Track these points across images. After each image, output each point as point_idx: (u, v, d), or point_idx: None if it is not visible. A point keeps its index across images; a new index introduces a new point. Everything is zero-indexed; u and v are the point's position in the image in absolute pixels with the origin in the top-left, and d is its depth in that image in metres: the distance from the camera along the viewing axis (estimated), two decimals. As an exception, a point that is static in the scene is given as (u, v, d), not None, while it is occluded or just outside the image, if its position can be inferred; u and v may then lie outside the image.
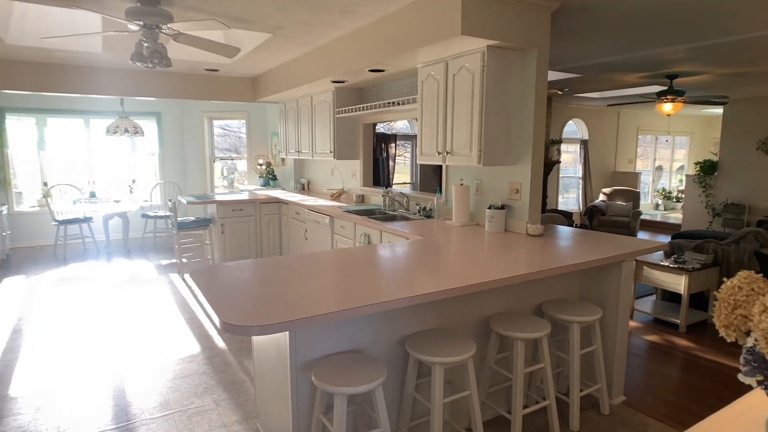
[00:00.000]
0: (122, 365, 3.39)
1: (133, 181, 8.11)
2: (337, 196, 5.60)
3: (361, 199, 5.26)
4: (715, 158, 8.55)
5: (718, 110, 8.95)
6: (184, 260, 5.48)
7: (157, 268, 6.01)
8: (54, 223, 6.50)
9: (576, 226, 5.39)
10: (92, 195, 7.63)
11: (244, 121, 8.06)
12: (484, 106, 3.01)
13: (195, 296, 4.79)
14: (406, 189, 6.08)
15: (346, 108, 4.91)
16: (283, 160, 7.30)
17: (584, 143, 8.98)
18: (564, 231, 3.35)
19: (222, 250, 5.52)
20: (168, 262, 6.32)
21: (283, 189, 7.26)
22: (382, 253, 2.68)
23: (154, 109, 7.96)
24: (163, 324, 4.10)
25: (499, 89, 3.06)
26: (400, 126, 7.17)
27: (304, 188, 6.71)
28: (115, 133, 6.59)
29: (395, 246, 2.87)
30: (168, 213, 7.29)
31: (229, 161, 8.52)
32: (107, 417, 2.79)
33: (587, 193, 9.58)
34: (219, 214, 5.47)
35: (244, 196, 6.07)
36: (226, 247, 5.54)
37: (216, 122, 8.26)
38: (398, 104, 4.11)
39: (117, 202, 7.55)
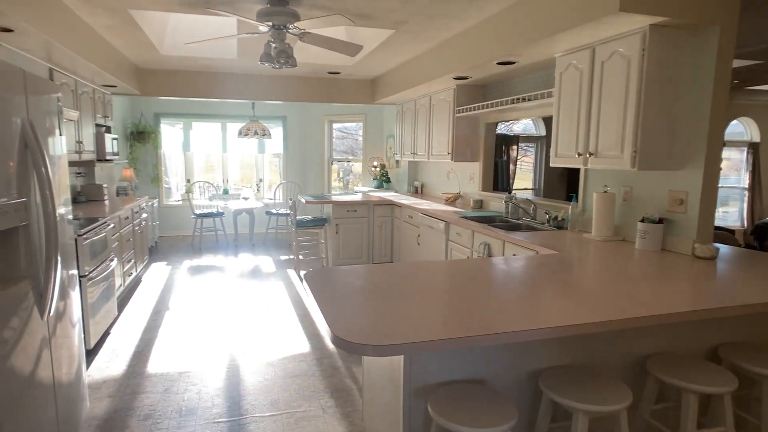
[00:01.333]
0: (239, 356, 3.48)
1: (260, 180, 8.66)
2: (452, 200, 5.31)
3: (479, 204, 4.91)
4: None
5: None
6: (300, 257, 5.63)
7: (276, 263, 6.27)
8: (193, 216, 7.15)
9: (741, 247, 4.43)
10: (225, 192, 8.30)
11: (361, 124, 8.15)
12: (643, 98, 2.50)
13: (308, 295, 4.86)
14: (528, 195, 5.57)
15: (468, 106, 4.61)
16: (397, 162, 7.21)
17: (753, 147, 7.53)
18: (740, 253, 2.68)
19: (335, 250, 5.55)
20: (286, 257, 6.58)
21: (395, 191, 7.16)
22: (507, 267, 2.34)
23: (281, 113, 8.41)
24: (277, 318, 4.18)
25: (664, 78, 2.52)
26: (522, 127, 6.65)
27: (418, 191, 6.53)
28: (246, 135, 7.05)
29: (522, 260, 2.50)
30: (288, 211, 7.63)
31: (346, 163, 8.70)
32: (222, 408, 2.84)
33: (755, 207, 8.03)
34: (334, 214, 5.51)
35: (358, 197, 6.07)
36: (339, 247, 5.57)
37: (335, 125, 8.48)
38: (528, 100, 3.70)
39: (245, 199, 8.11)
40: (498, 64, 3.78)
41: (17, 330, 1.88)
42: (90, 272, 3.40)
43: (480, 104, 4.41)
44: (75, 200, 4.92)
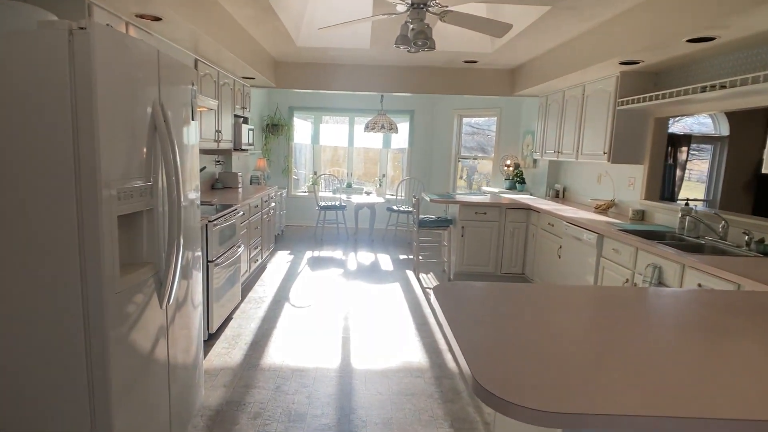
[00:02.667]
0: (353, 361, 3.22)
1: (383, 176, 8.53)
2: (604, 208, 4.51)
3: (640, 215, 4.07)
4: None
5: None
6: (420, 258, 5.29)
7: (394, 261, 6.02)
8: (317, 208, 7.24)
9: None
10: (348, 186, 8.31)
11: (494, 119, 7.54)
12: None
13: (431, 307, 4.47)
14: (699, 206, 4.51)
15: (635, 97, 3.80)
16: (535, 161, 6.49)
17: None
18: None
19: (459, 255, 5.10)
20: (405, 257, 6.29)
21: (530, 194, 6.45)
22: (710, 306, 1.68)
23: (409, 107, 8.17)
24: (394, 323, 3.87)
25: None
26: (689, 124, 5.49)
27: (558, 195, 5.76)
28: (372, 129, 6.92)
29: (723, 296, 1.80)
30: (410, 209, 7.36)
31: (471, 161, 8.15)
32: (332, 419, 2.59)
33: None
34: (461, 215, 5.05)
35: (486, 198, 5.52)
36: (464, 252, 5.10)
37: (465, 120, 7.99)
38: (729, 86, 2.85)
39: (367, 194, 8.02)
40: (688, 41, 2.98)
41: (134, 316, 1.77)
42: (217, 258, 3.41)
43: (654, 94, 3.59)
44: (212, 186, 5.16)
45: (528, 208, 5.05)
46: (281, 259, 5.89)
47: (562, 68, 4.53)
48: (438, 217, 5.40)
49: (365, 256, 6.24)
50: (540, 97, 5.79)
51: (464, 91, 5.96)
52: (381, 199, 7.30)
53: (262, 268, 5.37)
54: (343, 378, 3.03)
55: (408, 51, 3.13)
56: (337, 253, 6.35)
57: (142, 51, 1.78)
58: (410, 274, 5.44)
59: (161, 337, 2.00)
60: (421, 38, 2.97)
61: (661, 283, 2.81)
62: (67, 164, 1.53)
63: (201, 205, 3.74)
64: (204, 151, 4.93)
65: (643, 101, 3.71)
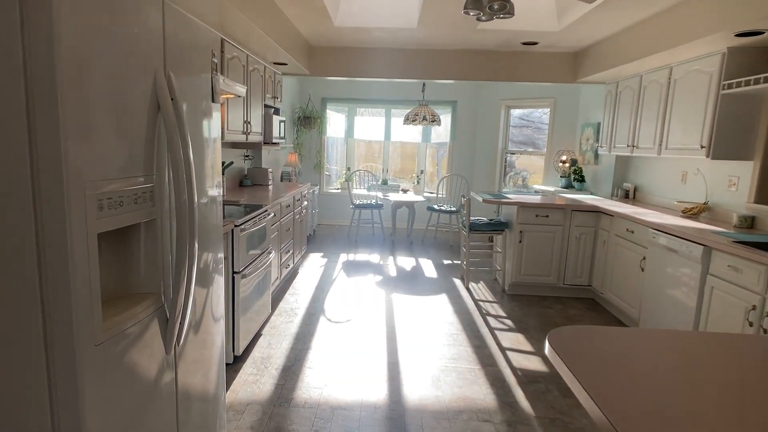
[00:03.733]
0: (403, 396, 2.66)
1: (422, 172, 7.93)
2: (695, 213, 3.81)
3: (749, 222, 3.36)
4: None
5: None
6: (469, 266, 4.69)
7: (437, 267, 5.43)
8: (351, 206, 6.72)
9: None
10: (384, 182, 7.76)
11: (547, 110, 6.84)
12: None
13: (488, 326, 3.87)
14: None
15: (751, 78, 3.09)
16: (596, 157, 5.77)
17: None
18: None
19: (517, 263, 4.47)
20: (449, 262, 5.69)
21: (591, 194, 5.74)
22: None
23: (451, 98, 7.54)
24: (447, 346, 3.28)
25: None
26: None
27: (628, 196, 5.05)
28: (413, 121, 6.33)
29: None
30: (453, 208, 6.75)
31: (508, 156, 7.44)
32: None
33: None
34: (519, 218, 4.42)
35: (537, 198, 4.87)
36: (522, 260, 4.47)
37: (514, 111, 7.30)
38: None
39: (404, 192, 7.45)
40: None
41: (126, 372, 1.25)
42: (245, 267, 2.91)
43: (778, 72, 2.88)
44: (241, 183, 4.69)
45: (597, 211, 4.37)
46: (314, 263, 5.38)
47: (644, 48, 3.84)
48: (491, 220, 4.78)
49: (405, 261, 5.67)
50: (607, 84, 5.08)
51: (519, 77, 5.30)
52: (420, 198, 6.71)
53: (293, 274, 4.87)
54: (394, 420, 2.48)
55: (478, 18, 2.53)
56: (374, 257, 5.81)
57: (138, -3, 1.26)
58: (458, 283, 4.85)
59: (169, 392, 1.49)
60: (498, 1, 2.36)
61: (816, 317, 2.14)
62: (17, 158, 1.01)
63: (227, 205, 3.27)
64: (231, 145, 4.45)
65: (760, 82, 3.00)
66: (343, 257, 5.72)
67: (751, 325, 2.51)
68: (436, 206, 6.84)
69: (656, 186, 4.65)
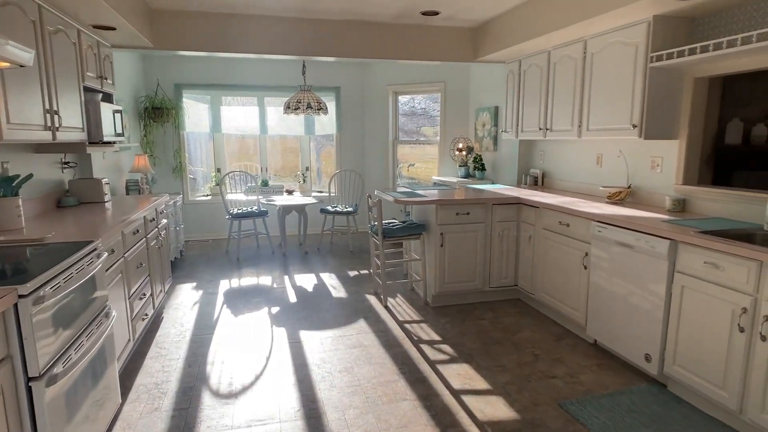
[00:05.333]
0: None
1: (307, 169, 6.98)
2: (622, 197, 3.53)
3: (681, 205, 3.12)
4: None
5: None
6: (384, 278, 3.94)
7: (343, 281, 4.60)
8: (228, 216, 5.53)
9: None
10: (265, 184, 6.66)
11: (438, 96, 6.37)
12: None
13: (419, 349, 3.15)
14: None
15: (685, 48, 2.78)
16: (496, 143, 5.43)
17: None
18: None
19: (439, 270, 3.84)
20: (356, 273, 4.89)
21: (492, 182, 5.40)
22: None
23: (334, 83, 6.68)
24: (386, 403, 2.48)
25: None
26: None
27: (537, 183, 4.74)
28: (296, 109, 5.35)
29: None
30: (349, 208, 5.95)
31: (403, 146, 6.92)
32: None
33: None
34: (439, 218, 3.78)
35: (434, 193, 4.34)
36: (445, 267, 3.85)
37: (402, 98, 6.71)
38: None
39: (290, 193, 6.45)
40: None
41: None
42: (52, 364, 1.73)
43: (727, 40, 2.58)
44: (59, 204, 3.29)
45: (518, 203, 3.93)
46: (185, 300, 4.16)
47: (557, 20, 3.42)
48: (404, 222, 4.08)
49: (304, 279, 4.72)
50: (508, 63, 4.68)
51: (415, 55, 4.65)
52: (311, 199, 5.78)
53: (155, 324, 3.63)
54: None
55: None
56: (265, 278, 4.76)
57: None
58: (373, 301, 4.07)
59: None
60: None
61: (840, 323, 1.78)
62: None
63: (14, 247, 1.97)
64: (34, 148, 3.07)
65: (701, 52, 2.69)
66: (224, 284, 4.57)
67: (741, 330, 2.14)
68: (330, 207, 5.97)
69: (568, 171, 4.38)
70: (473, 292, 3.98)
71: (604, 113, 3.39)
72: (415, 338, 3.30)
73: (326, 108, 5.53)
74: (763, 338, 2.05)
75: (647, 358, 2.66)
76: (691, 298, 2.40)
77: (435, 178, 6.10)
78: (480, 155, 5.65)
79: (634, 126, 3.11)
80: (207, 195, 6.69)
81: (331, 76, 6.64)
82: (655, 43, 2.99)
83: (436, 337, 3.32)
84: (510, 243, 3.98)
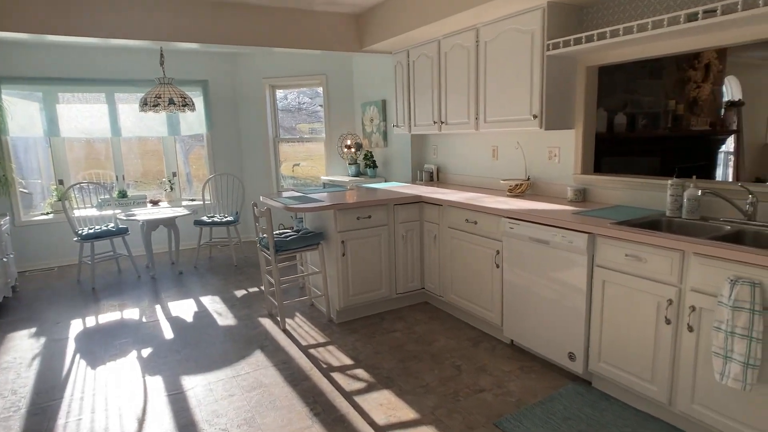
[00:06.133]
0: None
1: (174, 175, 6.06)
2: (523, 190, 3.47)
3: (582, 195, 3.12)
4: None
5: None
6: (277, 297, 3.42)
7: (229, 304, 3.96)
8: (76, 238, 4.49)
9: None
10: (122, 195, 5.63)
11: (319, 90, 5.93)
12: None
13: (331, 380, 2.71)
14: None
15: (579, 36, 2.73)
16: (386, 138, 5.18)
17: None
18: None
19: (343, 283, 3.44)
20: (244, 292, 4.28)
21: (385, 180, 5.17)
22: None
23: (200, 76, 5.87)
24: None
25: None
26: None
27: (433, 178, 4.58)
28: (155, 105, 4.50)
29: None
30: (229, 217, 5.25)
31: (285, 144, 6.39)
32: None
33: (740, 172, 7.32)
34: (339, 225, 3.37)
35: (323, 196, 4.00)
36: (349, 278, 3.46)
37: (280, 92, 6.14)
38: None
39: (155, 204, 5.55)
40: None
41: None
42: None
43: (614, 28, 2.56)
44: None
45: (420, 201, 3.69)
46: (19, 354, 3.20)
47: (447, 7, 3.23)
48: (299, 231, 3.59)
49: (181, 306, 3.98)
50: (395, 53, 4.43)
51: (295, 43, 4.16)
52: (182, 211, 4.97)
53: (-28, 390, 2.68)
54: None
55: None
56: (131, 311, 3.91)
57: None
58: (268, 324, 3.53)
59: None
60: None
61: (766, 309, 1.77)
62: None
63: None
64: None
65: (598, 39, 2.66)
66: (76, 325, 3.64)
67: (668, 322, 2.10)
68: (206, 218, 5.21)
69: (463, 165, 4.27)
70: (381, 301, 3.66)
71: (503, 104, 3.28)
72: (325, 366, 2.87)
73: (192, 104, 4.76)
74: (690, 329, 2.02)
75: (571, 356, 2.58)
76: (614, 292, 2.33)
77: (324, 177, 5.67)
78: (370, 152, 5.36)
79: (535, 116, 3.03)
80: (48, 213, 5.43)
81: (197, 67, 5.82)
82: (550, 30, 2.92)
83: (348, 361, 2.92)
84: (414, 244, 3.74)
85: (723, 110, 6.07)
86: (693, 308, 2.00)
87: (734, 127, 6.36)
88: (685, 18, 2.24)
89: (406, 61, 4.25)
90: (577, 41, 2.76)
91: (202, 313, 3.79)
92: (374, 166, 5.31)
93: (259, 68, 5.92)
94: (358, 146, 5.57)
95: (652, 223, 2.45)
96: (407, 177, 4.83)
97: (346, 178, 5.28)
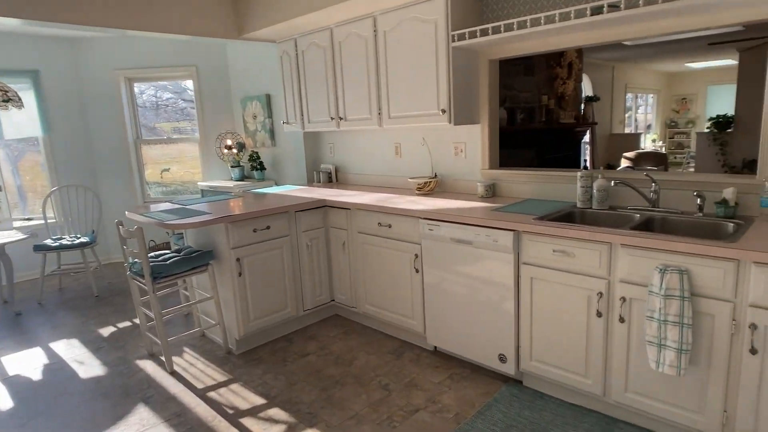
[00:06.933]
0: None
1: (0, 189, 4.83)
2: (431, 188, 3.33)
3: (492, 190, 3.08)
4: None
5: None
6: (158, 333, 2.81)
7: (93, 346, 3.20)
8: None
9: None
10: None
11: (189, 83, 5.20)
12: None
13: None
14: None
15: (485, 27, 2.64)
16: (273, 137, 4.71)
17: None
18: None
19: (241, 307, 2.95)
20: (113, 329, 3.50)
21: (276, 183, 4.73)
22: None
23: (28, 65, 4.74)
24: None
25: None
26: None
27: (331, 179, 4.25)
28: (-37, 100, 3.45)
29: None
30: (84, 238, 4.31)
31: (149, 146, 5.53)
32: None
33: (594, 160, 8.36)
34: (232, 240, 2.87)
35: (201, 205, 3.53)
36: (248, 301, 2.98)
37: (138, 86, 5.26)
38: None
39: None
40: None
41: None
42: None
43: (527, 18, 2.51)
44: None
45: (324, 206, 3.35)
46: None
47: (350, -14, 2.94)
48: (181, 251, 2.99)
49: (23, 360, 3.10)
50: (280, 42, 4.00)
51: (154, 25, 3.49)
52: (16, 234, 3.93)
53: None
54: None
55: None
56: (-57, 376, 2.92)
57: None
58: (150, 368, 2.89)
59: None
60: None
61: (693, 295, 1.81)
62: None
63: None
64: None
65: (505, 30, 2.59)
66: None
67: (599, 315, 2.08)
68: (50, 241, 4.21)
69: (363, 163, 4.03)
70: (287, 321, 3.25)
71: (408, 99, 3.08)
72: (231, 412, 2.39)
73: (19, 99, 3.78)
74: (622, 320, 2.02)
75: (502, 358, 2.48)
76: (542, 289, 2.27)
77: (202, 183, 4.99)
78: (256, 152, 4.84)
79: (443, 111, 2.89)
80: None
81: (23, 54, 4.69)
82: (454, 21, 2.80)
83: (259, 400, 2.49)
84: (321, 254, 3.39)
85: (582, 105, 6.77)
86: (623, 299, 2.01)
87: (591, 120, 7.11)
88: (575, 14, 2.27)
89: (294, 51, 3.85)
90: (484, 32, 2.67)
91: (55, 365, 2.98)
92: (262, 168, 4.80)
93: (111, 57, 4.99)
94: (241, 146, 4.99)
95: (568, 215, 2.46)
96: (302, 179, 4.43)
97: (230, 183, 4.69)
